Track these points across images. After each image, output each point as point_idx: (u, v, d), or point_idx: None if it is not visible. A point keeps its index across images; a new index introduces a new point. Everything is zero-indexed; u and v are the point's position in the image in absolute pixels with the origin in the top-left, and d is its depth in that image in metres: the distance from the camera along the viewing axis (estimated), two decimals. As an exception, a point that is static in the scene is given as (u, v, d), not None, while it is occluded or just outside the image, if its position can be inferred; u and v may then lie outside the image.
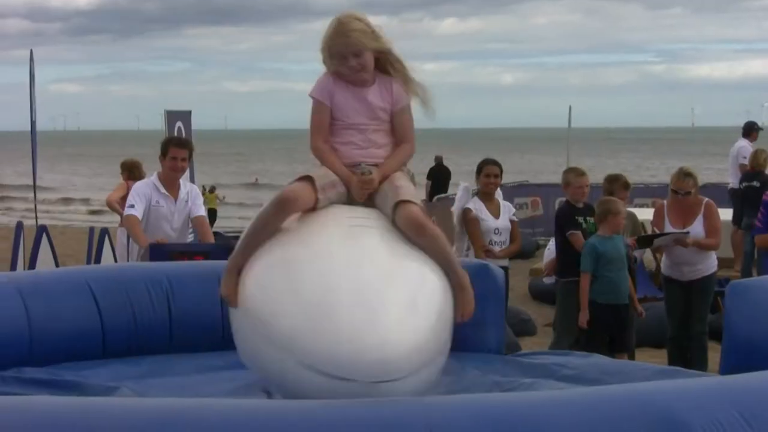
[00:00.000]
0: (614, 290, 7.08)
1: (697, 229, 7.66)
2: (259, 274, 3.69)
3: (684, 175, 7.77)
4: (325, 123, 3.96)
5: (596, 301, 7.04)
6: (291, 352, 3.42)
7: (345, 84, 3.97)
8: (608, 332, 7.10)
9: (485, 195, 8.17)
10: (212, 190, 26.35)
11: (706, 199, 7.91)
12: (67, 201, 41.24)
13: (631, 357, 7.48)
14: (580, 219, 7.75)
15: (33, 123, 14.06)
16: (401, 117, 4.01)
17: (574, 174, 7.95)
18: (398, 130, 4.01)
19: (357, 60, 3.91)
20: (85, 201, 41.38)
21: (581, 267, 7.10)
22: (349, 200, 3.96)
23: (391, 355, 3.34)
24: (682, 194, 7.70)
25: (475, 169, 8.40)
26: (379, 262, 3.60)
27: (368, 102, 3.97)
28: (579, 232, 7.59)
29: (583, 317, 7.04)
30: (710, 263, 7.75)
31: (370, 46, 3.91)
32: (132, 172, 9.90)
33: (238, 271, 3.76)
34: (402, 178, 3.95)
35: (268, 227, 3.76)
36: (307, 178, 3.80)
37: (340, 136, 3.97)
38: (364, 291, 3.45)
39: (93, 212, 33.61)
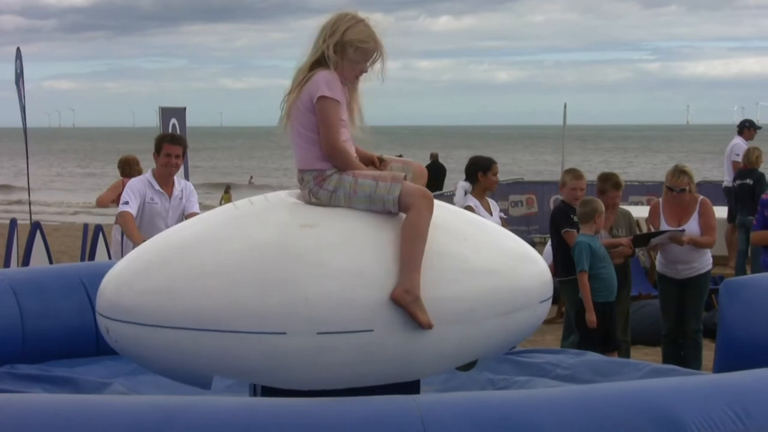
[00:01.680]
0: (609, 288, 7.09)
1: (692, 226, 7.66)
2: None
3: (679, 172, 7.78)
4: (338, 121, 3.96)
5: (593, 301, 7.05)
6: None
7: (341, 81, 3.98)
8: (604, 330, 7.11)
9: (481, 192, 8.15)
10: (227, 190, 26.39)
11: (702, 196, 7.90)
12: (59, 198, 41.16)
13: (625, 354, 7.48)
14: (576, 218, 7.79)
15: (24, 120, 14.04)
16: None
17: (571, 176, 7.98)
18: None
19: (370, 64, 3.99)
20: (76, 197, 41.38)
21: (579, 266, 7.09)
22: None
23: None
24: (677, 191, 7.70)
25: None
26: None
27: (356, 98, 4.05)
28: (574, 231, 7.60)
29: (591, 317, 7.05)
30: (705, 261, 7.75)
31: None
32: (124, 169, 9.85)
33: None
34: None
35: (428, 231, 3.78)
36: (396, 176, 3.87)
37: (343, 135, 3.96)
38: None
39: (83, 210, 33.56)
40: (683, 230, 7.60)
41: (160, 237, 4.14)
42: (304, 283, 3.60)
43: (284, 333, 3.56)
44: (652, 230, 7.89)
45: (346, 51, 3.91)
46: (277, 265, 3.64)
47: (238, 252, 3.71)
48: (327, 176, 3.88)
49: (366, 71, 3.99)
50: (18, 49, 14.21)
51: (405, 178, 3.89)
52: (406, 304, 3.63)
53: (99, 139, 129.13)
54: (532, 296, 4.09)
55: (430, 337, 3.71)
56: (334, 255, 3.67)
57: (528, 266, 4.14)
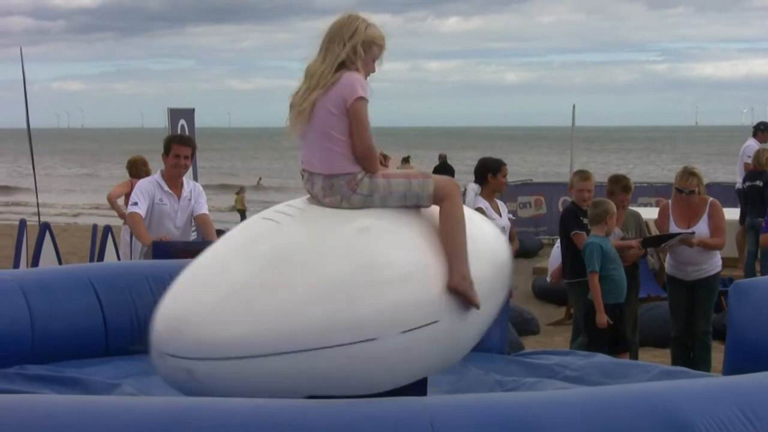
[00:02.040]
0: (619, 289, 7.09)
1: (701, 228, 7.64)
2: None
3: (688, 174, 7.77)
4: None
5: (603, 302, 7.04)
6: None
7: None
8: (614, 332, 7.10)
9: (491, 194, 8.16)
10: (240, 191, 26.24)
11: (711, 198, 7.88)
12: (66, 198, 41.25)
13: (634, 356, 7.47)
14: (585, 220, 7.81)
15: (28, 121, 14.04)
16: None
17: (578, 177, 8.01)
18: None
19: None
20: (85, 197, 41.48)
21: (590, 267, 7.08)
22: None
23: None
24: (686, 193, 7.69)
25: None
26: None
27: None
28: (583, 233, 7.61)
29: (602, 318, 7.04)
30: (714, 263, 7.73)
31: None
32: (132, 170, 9.85)
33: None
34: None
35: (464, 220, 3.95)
36: (426, 174, 4.03)
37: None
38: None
39: (90, 213, 33.62)
40: (693, 232, 7.59)
41: (212, 267, 3.88)
42: (381, 286, 3.67)
43: (375, 339, 3.61)
44: (659, 233, 7.87)
45: (369, 50, 3.93)
46: (354, 272, 3.67)
47: (315, 266, 3.67)
48: (359, 180, 3.86)
49: (375, 71, 4.00)
50: (21, 50, 14.17)
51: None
52: (464, 290, 3.81)
53: (107, 140, 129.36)
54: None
55: (476, 319, 3.96)
56: (396, 254, 3.77)
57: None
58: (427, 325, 3.73)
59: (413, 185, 3.90)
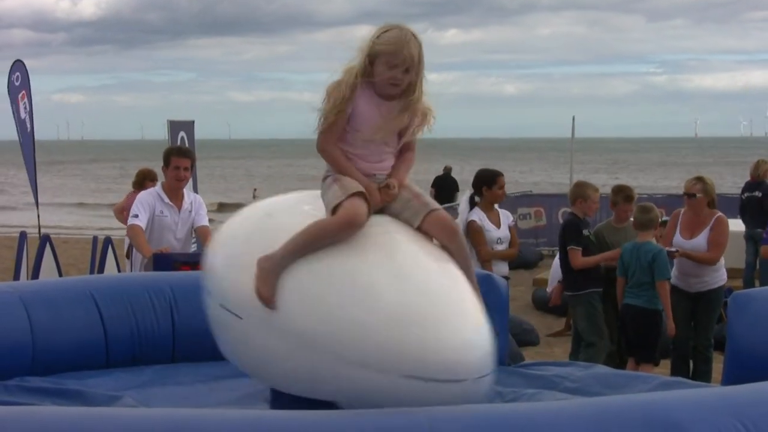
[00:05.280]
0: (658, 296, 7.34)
1: (700, 240, 7.65)
2: (306, 284, 3.56)
3: (695, 179, 7.87)
4: (340, 127, 3.82)
5: (648, 308, 7.27)
6: (382, 364, 3.35)
7: (371, 93, 3.82)
8: (653, 339, 7.34)
9: (489, 205, 8.15)
10: (255, 195, 26.56)
11: (720, 213, 7.86)
12: (68, 210, 41.25)
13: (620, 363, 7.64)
14: (586, 232, 7.92)
15: (31, 133, 14.07)
16: (413, 131, 3.93)
17: (592, 189, 8.16)
18: (407, 139, 3.94)
19: (404, 75, 3.76)
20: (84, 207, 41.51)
21: (665, 275, 7.32)
22: None
23: (485, 348, 3.53)
24: (689, 196, 7.76)
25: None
26: (431, 267, 3.66)
27: (392, 118, 3.84)
28: (579, 249, 7.77)
29: (672, 324, 7.29)
30: (717, 276, 7.72)
31: (421, 68, 3.81)
32: (142, 183, 9.73)
33: (279, 273, 3.60)
34: (414, 185, 3.95)
35: (328, 242, 3.62)
36: (361, 194, 3.70)
37: (355, 146, 3.84)
38: (438, 297, 3.54)
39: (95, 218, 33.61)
40: (676, 250, 7.67)
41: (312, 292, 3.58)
42: None
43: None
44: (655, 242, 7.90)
45: (372, 55, 3.81)
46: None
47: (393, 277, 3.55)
48: (323, 178, 3.93)
49: (398, 80, 3.84)
50: (22, 62, 14.19)
51: (405, 213, 3.81)
52: (259, 268, 3.60)
53: (106, 153, 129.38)
54: None
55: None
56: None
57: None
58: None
59: (329, 194, 3.75)
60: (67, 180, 64.69)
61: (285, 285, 3.56)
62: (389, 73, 3.74)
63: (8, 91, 13.94)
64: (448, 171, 22.22)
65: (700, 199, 7.73)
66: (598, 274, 7.92)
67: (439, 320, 3.45)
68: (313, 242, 3.63)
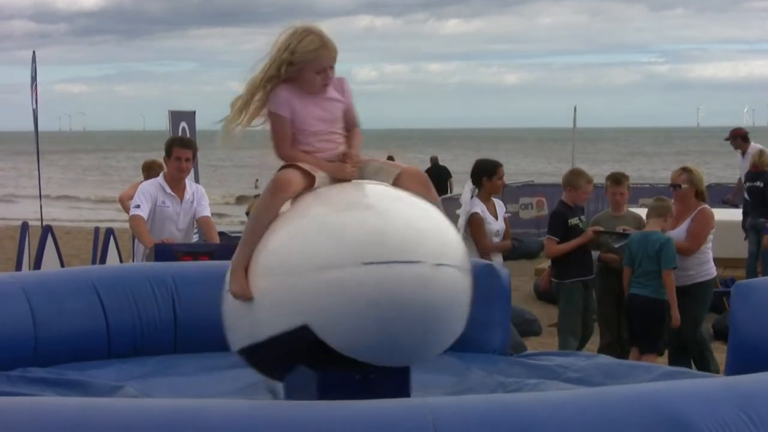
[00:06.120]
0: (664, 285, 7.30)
1: (679, 231, 7.57)
2: (271, 253, 3.73)
3: (681, 169, 7.84)
4: (288, 133, 4.03)
5: (654, 297, 7.25)
6: (343, 258, 3.47)
7: (302, 93, 4.02)
8: (658, 329, 7.32)
9: (487, 196, 8.09)
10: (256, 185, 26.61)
11: (704, 205, 7.77)
12: (70, 200, 41.29)
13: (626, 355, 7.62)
14: (575, 220, 7.95)
15: (36, 125, 14.08)
16: (352, 108, 4.17)
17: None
18: (350, 118, 4.15)
19: (331, 71, 4.01)
20: (86, 200, 41.56)
21: (672, 264, 7.24)
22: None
23: (451, 238, 3.63)
24: (674, 187, 7.76)
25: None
26: (404, 195, 3.80)
27: (329, 105, 4.06)
28: (555, 239, 7.88)
29: (677, 314, 7.25)
30: (704, 270, 7.56)
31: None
32: (146, 172, 9.71)
33: (245, 267, 3.82)
34: (379, 156, 4.24)
35: (267, 214, 3.84)
36: (294, 165, 3.92)
37: (310, 144, 4.03)
38: (407, 204, 3.70)
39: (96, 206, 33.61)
40: (628, 234, 7.66)
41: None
42: None
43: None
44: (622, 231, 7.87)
45: (286, 61, 4.03)
46: None
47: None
48: None
49: (329, 78, 4.08)
50: (33, 53, 14.25)
51: (379, 177, 3.98)
52: (230, 269, 3.92)
53: (109, 143, 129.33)
54: None
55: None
56: None
57: None
58: None
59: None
60: (68, 172, 64.68)
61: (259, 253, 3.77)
62: (320, 77, 3.99)
63: (31, 79, 13.99)
64: (434, 161, 22.01)
65: (686, 190, 7.66)
66: (585, 263, 7.94)
67: (396, 211, 3.60)
68: (256, 222, 3.86)
